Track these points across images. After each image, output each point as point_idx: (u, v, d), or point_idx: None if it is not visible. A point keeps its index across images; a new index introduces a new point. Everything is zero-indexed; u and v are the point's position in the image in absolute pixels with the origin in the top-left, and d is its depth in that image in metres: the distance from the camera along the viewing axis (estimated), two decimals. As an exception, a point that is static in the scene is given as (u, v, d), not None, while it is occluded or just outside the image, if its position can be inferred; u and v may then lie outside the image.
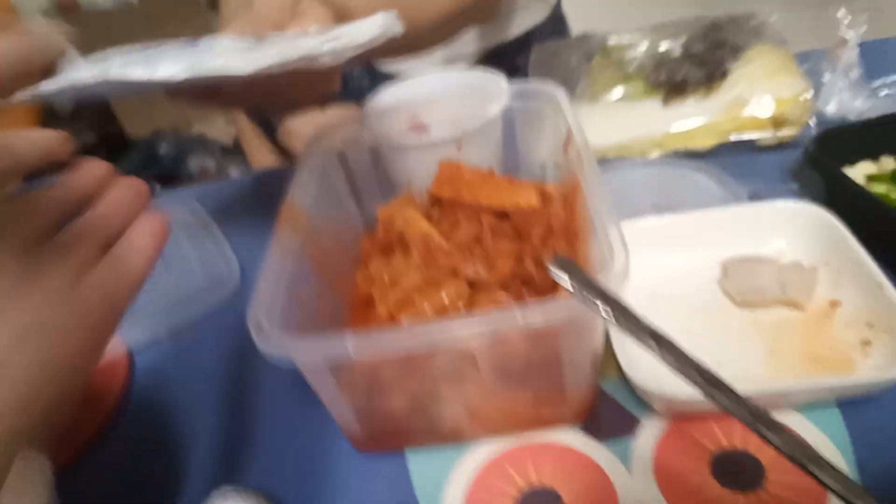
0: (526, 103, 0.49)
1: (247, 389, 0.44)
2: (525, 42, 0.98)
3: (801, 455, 0.20)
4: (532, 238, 0.41)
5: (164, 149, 1.68)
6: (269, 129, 0.90)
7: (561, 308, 0.28)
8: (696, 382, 0.21)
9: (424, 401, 0.36)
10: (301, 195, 0.42)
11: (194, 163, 1.62)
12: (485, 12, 0.71)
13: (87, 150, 1.83)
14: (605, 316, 0.23)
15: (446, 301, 0.39)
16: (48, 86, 0.34)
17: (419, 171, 0.51)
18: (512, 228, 0.43)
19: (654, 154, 0.55)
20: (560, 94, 0.45)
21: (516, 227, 0.43)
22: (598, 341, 0.33)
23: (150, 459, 0.40)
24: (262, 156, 0.89)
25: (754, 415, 0.20)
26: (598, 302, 0.24)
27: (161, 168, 1.61)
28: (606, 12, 2.13)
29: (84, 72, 0.34)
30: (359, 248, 0.48)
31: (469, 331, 0.29)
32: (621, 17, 2.14)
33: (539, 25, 0.98)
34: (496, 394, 0.36)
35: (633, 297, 0.34)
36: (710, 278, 0.42)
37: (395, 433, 0.38)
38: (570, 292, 0.25)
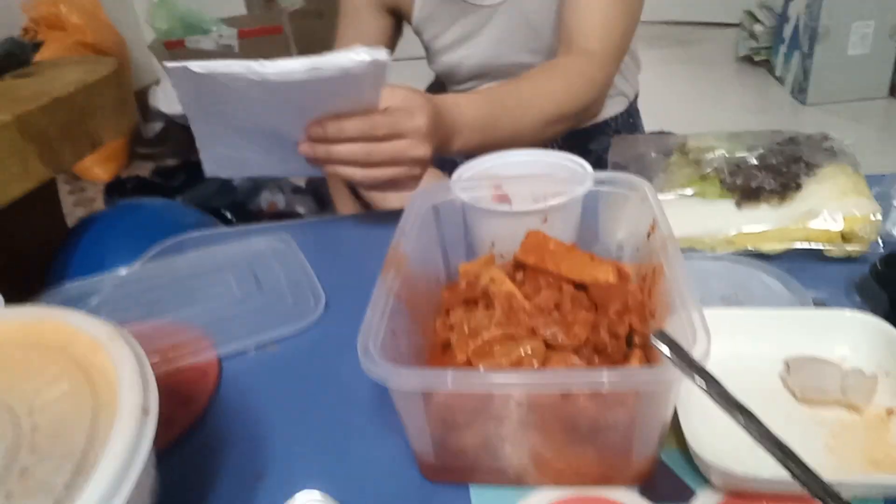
0: (609, 189, 0.53)
1: (325, 405, 0.48)
2: (600, 130, 1.04)
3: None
4: (608, 311, 0.45)
5: (238, 180, 1.78)
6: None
7: (643, 375, 0.31)
8: (774, 454, 0.24)
9: (496, 442, 0.39)
10: (404, 242, 0.47)
11: (265, 197, 1.72)
12: (582, 120, 0.79)
13: (168, 172, 1.96)
14: (700, 386, 0.27)
15: (523, 356, 0.43)
16: (195, 66, 0.52)
17: (502, 236, 0.56)
18: (589, 300, 0.47)
19: (724, 251, 0.58)
20: (646, 185, 0.50)
21: (593, 299, 0.47)
22: (669, 412, 0.36)
23: (234, 454, 0.44)
24: (344, 203, 0.95)
25: (825, 490, 0.23)
26: (694, 374, 0.27)
27: (234, 198, 1.70)
28: (676, 112, 2.20)
29: (231, 67, 0.52)
30: (440, 298, 0.52)
31: (557, 382, 0.32)
32: (690, 120, 2.21)
33: (615, 116, 1.04)
34: (566, 447, 0.38)
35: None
36: (773, 373, 0.45)
37: (464, 468, 0.41)
38: (671, 361, 0.28)
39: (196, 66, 0.54)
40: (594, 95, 0.77)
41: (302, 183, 1.82)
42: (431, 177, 1.09)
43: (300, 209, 1.69)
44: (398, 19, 0.98)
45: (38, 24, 2.24)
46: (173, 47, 2.04)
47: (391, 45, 0.98)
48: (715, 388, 0.26)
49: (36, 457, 0.30)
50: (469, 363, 0.44)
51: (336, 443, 0.45)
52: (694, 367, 0.27)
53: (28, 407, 0.32)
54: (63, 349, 0.36)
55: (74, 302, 0.61)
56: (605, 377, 0.31)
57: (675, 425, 0.40)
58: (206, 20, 2.16)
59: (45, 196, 0.68)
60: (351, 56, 0.54)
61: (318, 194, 1.75)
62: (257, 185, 1.74)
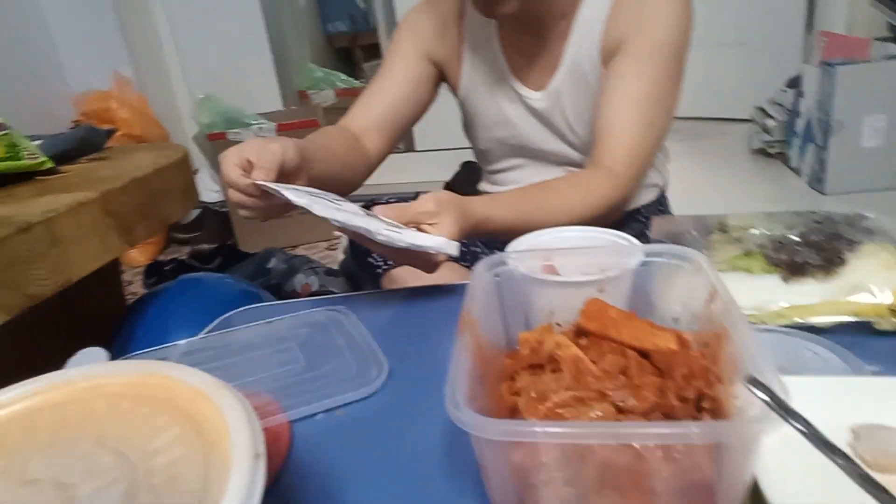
0: (662, 260, 0.56)
1: (395, 468, 0.49)
2: (632, 217, 1.08)
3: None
4: (674, 376, 0.46)
5: (273, 263, 1.84)
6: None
7: (733, 426, 0.33)
8: (875, 495, 0.25)
9: (574, 497, 0.40)
10: (474, 308, 0.49)
11: (299, 280, 1.76)
12: (613, 216, 0.84)
13: (204, 256, 2.02)
14: (799, 429, 0.28)
15: (594, 419, 0.44)
16: (283, 190, 0.60)
17: (560, 306, 0.58)
18: (652, 366, 0.48)
19: (774, 324, 0.60)
20: (700, 256, 0.52)
21: (657, 365, 0.48)
22: (753, 467, 0.37)
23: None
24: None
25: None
26: (791, 418, 0.28)
27: (269, 279, 1.75)
28: (698, 201, 2.27)
29: (298, 197, 0.60)
30: (502, 365, 0.54)
31: (645, 434, 0.34)
32: (711, 208, 2.27)
33: (647, 204, 1.09)
34: (648, 505, 0.39)
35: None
36: (839, 440, 0.45)
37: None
38: (769, 407, 0.29)
39: (293, 194, 0.64)
40: (608, 211, 0.84)
41: (335, 265, 1.87)
42: (450, 270, 1.13)
43: (334, 290, 1.72)
44: (438, 81, 1.02)
45: (90, 117, 2.39)
46: (215, 139, 2.17)
47: (426, 99, 1.01)
48: (813, 432, 0.28)
49: (155, 497, 0.31)
50: (540, 426, 0.45)
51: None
52: (790, 412, 0.29)
53: (142, 453, 0.34)
54: (168, 400, 0.38)
55: (143, 369, 0.63)
56: (695, 428, 0.33)
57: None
58: (247, 115, 2.30)
59: (109, 271, 0.72)
60: (441, 244, 0.66)
61: (351, 276, 1.79)
62: (292, 267, 1.79)
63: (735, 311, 0.44)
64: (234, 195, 0.69)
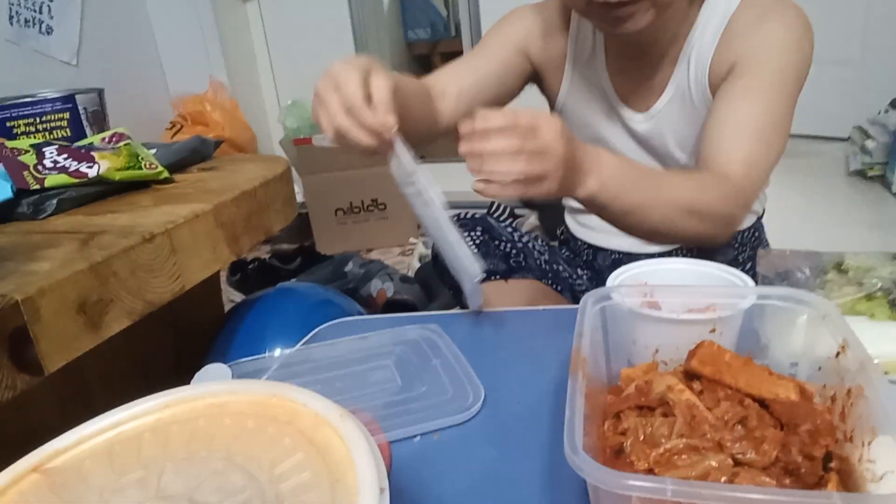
0: (780, 304, 0.53)
1: (487, 496, 0.49)
2: (726, 242, 1.04)
3: None
4: (798, 431, 0.44)
5: (350, 266, 1.87)
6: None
7: (880, 501, 0.31)
8: None
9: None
10: (584, 345, 0.48)
11: (375, 285, 1.79)
12: (714, 235, 0.77)
13: (285, 257, 2.09)
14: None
15: (710, 470, 0.42)
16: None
17: (666, 343, 0.56)
18: (772, 417, 0.46)
19: (899, 376, 0.56)
20: (828, 304, 0.50)
21: (776, 416, 0.46)
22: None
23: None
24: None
25: None
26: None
27: (346, 283, 1.78)
28: (791, 223, 2.16)
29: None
30: (604, 401, 0.53)
31: (782, 500, 0.32)
32: (806, 230, 2.15)
33: (742, 230, 1.04)
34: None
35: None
36: None
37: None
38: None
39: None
40: (727, 210, 0.76)
41: (410, 272, 1.89)
42: (533, 289, 1.11)
43: (408, 297, 1.74)
44: (528, 80, 0.99)
45: (186, 119, 2.52)
46: (301, 143, 2.24)
47: (513, 89, 0.98)
48: None
49: (285, 524, 0.32)
50: (651, 472, 0.44)
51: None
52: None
53: (269, 475, 0.35)
54: (290, 423, 0.39)
55: (245, 378, 0.65)
56: (839, 500, 0.31)
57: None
58: (331, 120, 2.36)
59: (212, 278, 0.75)
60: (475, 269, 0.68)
61: (425, 284, 1.81)
62: (368, 273, 1.82)
63: (871, 368, 0.42)
64: (355, 132, 0.62)
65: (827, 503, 0.31)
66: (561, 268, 1.14)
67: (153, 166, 0.81)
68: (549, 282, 1.14)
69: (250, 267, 2.00)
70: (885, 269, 0.65)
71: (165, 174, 0.83)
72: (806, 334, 0.51)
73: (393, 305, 1.67)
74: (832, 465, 0.42)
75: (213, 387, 0.43)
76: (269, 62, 2.96)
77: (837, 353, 0.46)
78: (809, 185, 2.57)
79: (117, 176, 0.78)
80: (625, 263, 0.68)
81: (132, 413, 0.42)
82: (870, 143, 2.56)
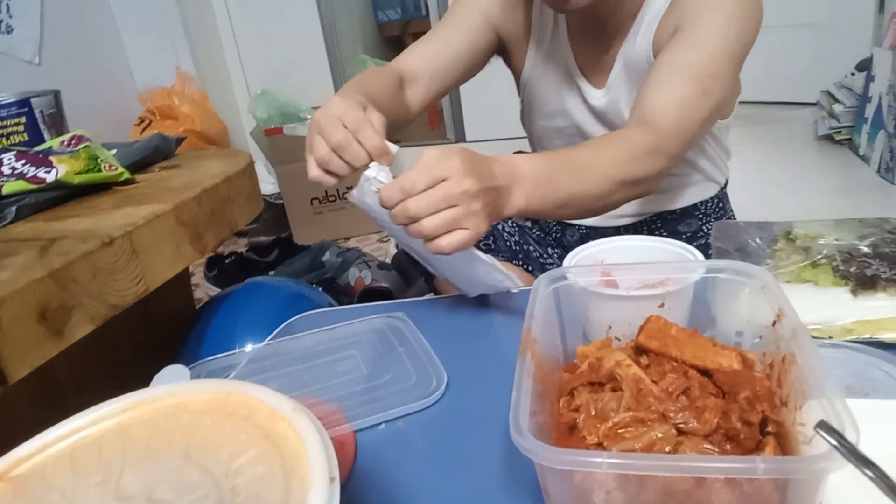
0: (725, 276, 0.55)
1: (455, 479, 0.51)
2: (688, 213, 1.06)
3: None
4: (738, 398, 0.46)
5: (328, 256, 1.88)
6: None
7: (800, 463, 0.33)
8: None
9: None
10: (534, 326, 0.50)
11: (352, 273, 1.80)
12: (645, 191, 0.77)
13: (262, 249, 2.09)
14: (870, 477, 0.28)
15: (655, 440, 0.44)
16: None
17: (619, 319, 0.58)
18: (715, 386, 0.48)
19: (842, 339, 0.58)
20: (766, 274, 0.52)
21: (719, 385, 0.48)
22: (819, 500, 0.37)
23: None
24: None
25: None
26: (862, 465, 0.28)
27: (324, 273, 1.79)
28: (760, 191, 2.19)
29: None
30: (560, 379, 0.55)
31: (709, 468, 0.34)
32: (775, 198, 2.19)
33: (704, 201, 1.06)
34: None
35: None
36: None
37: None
38: (839, 452, 0.29)
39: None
40: (657, 166, 0.74)
41: (387, 259, 1.90)
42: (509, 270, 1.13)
43: (385, 284, 1.75)
44: (494, 52, 1.00)
45: (154, 113, 2.49)
46: (272, 133, 2.22)
47: (480, 64, 0.99)
48: (884, 480, 0.27)
49: (240, 516, 0.34)
50: (601, 446, 0.46)
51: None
52: (861, 458, 0.28)
53: (226, 470, 0.37)
54: (248, 418, 0.40)
55: (215, 376, 0.67)
56: (760, 464, 0.33)
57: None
58: (302, 108, 2.35)
59: (179, 275, 0.76)
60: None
61: (402, 270, 1.82)
62: (346, 261, 1.83)
63: (803, 334, 0.44)
64: (340, 167, 0.68)
65: (750, 467, 0.33)
66: (531, 248, 1.16)
67: (113, 168, 0.81)
68: (520, 263, 1.16)
69: (227, 261, 1.99)
70: (830, 236, 0.67)
71: (126, 175, 0.83)
72: (749, 305, 0.53)
73: (370, 293, 1.68)
74: (769, 429, 0.44)
75: (172, 388, 0.44)
76: (236, 51, 2.92)
77: (774, 322, 0.48)
78: (779, 152, 2.61)
79: (76, 180, 0.77)
80: (592, 238, 0.70)
81: (93, 418, 0.43)
82: (837, 108, 2.59)
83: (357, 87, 0.78)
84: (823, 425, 0.31)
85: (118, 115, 2.49)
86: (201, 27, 2.76)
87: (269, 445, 0.38)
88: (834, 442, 0.30)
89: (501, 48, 1.00)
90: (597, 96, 0.92)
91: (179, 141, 0.98)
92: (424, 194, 0.59)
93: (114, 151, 0.88)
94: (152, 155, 0.92)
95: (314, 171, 0.69)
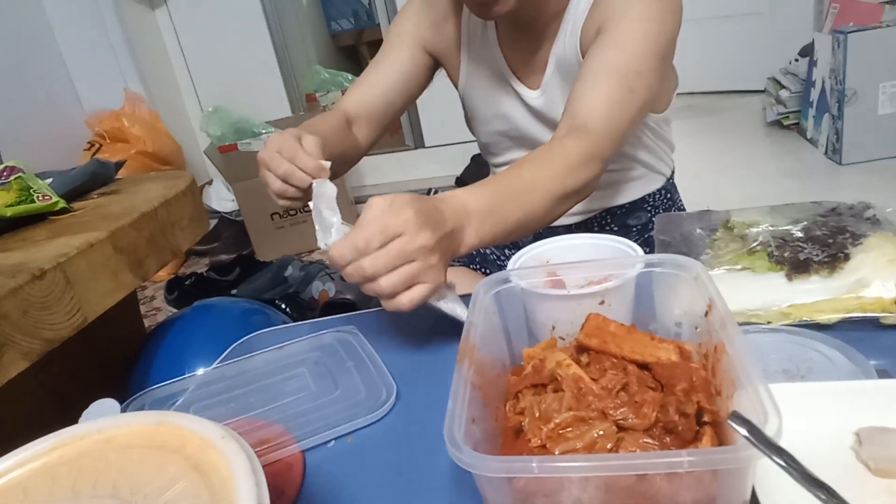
0: (661, 269, 0.56)
1: (405, 491, 0.50)
2: (637, 206, 1.08)
3: None
4: (675, 390, 0.46)
5: (290, 271, 1.86)
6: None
7: (721, 455, 0.33)
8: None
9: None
10: (473, 332, 0.50)
11: (316, 287, 1.78)
12: (584, 197, 0.78)
13: (223, 268, 2.05)
14: (780, 465, 0.28)
15: (596, 438, 0.45)
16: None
17: (562, 319, 0.59)
18: (654, 379, 0.49)
19: (779, 323, 0.60)
20: (698, 266, 0.52)
21: (658, 378, 0.49)
22: (747, 491, 0.37)
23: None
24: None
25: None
26: (773, 454, 0.29)
27: (287, 288, 1.77)
28: (712, 181, 2.24)
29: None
30: (507, 382, 0.55)
31: (636, 464, 0.34)
32: (726, 186, 2.24)
33: (652, 193, 1.08)
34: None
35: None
36: (843, 445, 0.45)
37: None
38: (752, 443, 0.30)
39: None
40: (593, 172, 0.76)
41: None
42: (463, 276, 1.13)
43: (349, 296, 1.74)
44: (434, 68, 1.03)
45: (104, 137, 2.44)
46: (226, 150, 2.19)
47: (420, 87, 1.02)
48: (794, 467, 0.28)
49: (166, 552, 0.33)
50: (544, 448, 0.46)
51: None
52: (772, 447, 0.29)
53: (153, 505, 0.36)
54: (178, 450, 0.39)
55: (161, 404, 0.65)
56: (685, 458, 0.33)
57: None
58: (256, 124, 2.32)
59: (126, 302, 0.74)
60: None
61: (366, 281, 1.81)
62: (308, 275, 1.81)
63: (731, 324, 0.44)
64: (298, 174, 0.75)
65: (675, 461, 0.34)
66: (488, 251, 1.16)
67: (47, 198, 0.79)
68: (478, 266, 1.16)
69: (187, 283, 1.95)
70: (765, 222, 0.69)
71: (62, 204, 0.80)
72: (685, 297, 0.54)
73: (333, 306, 1.67)
74: (705, 419, 0.45)
75: (101, 423, 0.43)
76: (186, 69, 2.87)
77: (706, 312, 0.49)
78: (729, 139, 2.67)
79: (8, 212, 0.75)
80: (545, 237, 0.70)
81: (19, 460, 0.41)
82: (784, 94, 2.66)
83: (305, 129, 0.83)
84: (735, 416, 0.31)
85: (65, 142, 2.43)
86: (148, 46, 2.71)
87: (197, 476, 0.37)
88: (744, 432, 0.30)
89: (438, 64, 1.02)
90: (533, 97, 0.93)
91: (119, 165, 0.96)
92: (380, 252, 0.58)
93: (49, 180, 0.86)
94: (90, 181, 0.90)
95: (280, 202, 0.80)
